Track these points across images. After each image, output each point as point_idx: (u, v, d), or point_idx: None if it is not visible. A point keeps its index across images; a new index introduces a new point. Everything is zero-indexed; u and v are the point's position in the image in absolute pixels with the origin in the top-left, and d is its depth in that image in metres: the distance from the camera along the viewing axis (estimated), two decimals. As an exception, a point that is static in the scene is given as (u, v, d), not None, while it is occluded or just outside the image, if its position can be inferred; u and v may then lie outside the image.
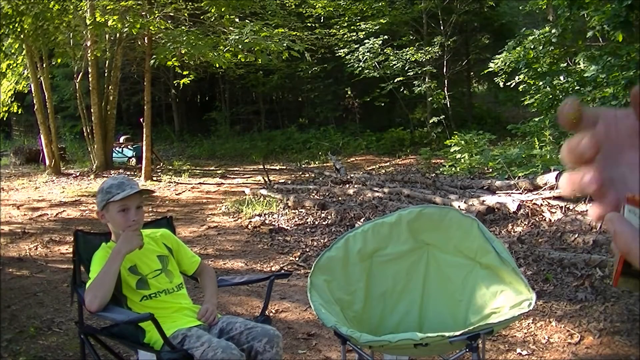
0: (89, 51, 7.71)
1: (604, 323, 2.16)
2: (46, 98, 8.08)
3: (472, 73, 12.17)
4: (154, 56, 6.92)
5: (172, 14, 7.46)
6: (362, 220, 4.10)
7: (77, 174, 8.16)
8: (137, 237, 1.54)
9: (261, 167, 7.59)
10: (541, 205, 3.85)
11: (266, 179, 6.60)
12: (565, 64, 6.45)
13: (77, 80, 8.44)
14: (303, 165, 8.60)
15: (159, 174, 8.04)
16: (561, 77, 6.05)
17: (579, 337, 2.08)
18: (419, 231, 1.55)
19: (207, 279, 1.71)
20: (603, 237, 3.06)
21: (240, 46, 6.52)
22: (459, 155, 6.47)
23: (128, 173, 7.97)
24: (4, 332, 2.39)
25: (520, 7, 9.57)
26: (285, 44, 6.50)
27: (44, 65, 8.14)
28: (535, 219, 3.70)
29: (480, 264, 1.47)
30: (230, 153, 11.03)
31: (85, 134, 8.67)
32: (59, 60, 7.76)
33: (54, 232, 4.41)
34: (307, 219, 4.42)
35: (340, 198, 5.14)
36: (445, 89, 10.02)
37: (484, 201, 4.07)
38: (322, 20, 10.09)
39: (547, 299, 2.46)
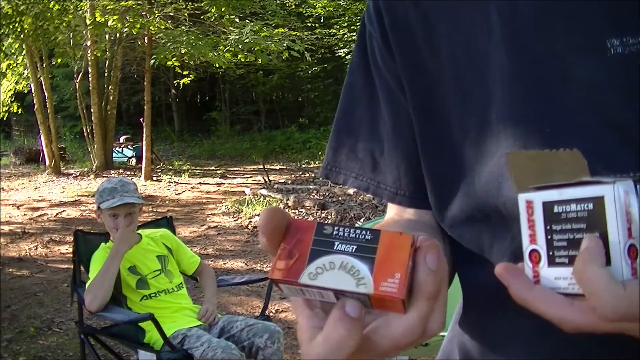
0: (89, 51, 7.70)
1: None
2: (46, 98, 8.07)
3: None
4: (154, 56, 6.90)
5: (172, 14, 7.46)
6: (362, 220, 4.09)
7: (77, 174, 8.14)
8: (133, 234, 1.55)
9: (261, 167, 7.58)
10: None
11: (266, 179, 6.59)
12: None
13: (77, 80, 8.43)
14: (303, 165, 8.59)
15: (159, 174, 8.02)
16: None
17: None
18: (419, 231, 1.55)
19: (207, 279, 1.72)
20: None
21: (240, 46, 6.52)
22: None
23: (128, 173, 7.97)
24: (4, 332, 2.39)
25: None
26: (285, 44, 6.49)
27: (44, 65, 8.13)
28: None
29: (480, 264, 1.46)
30: (230, 153, 11.02)
31: (85, 134, 8.66)
32: (59, 60, 7.75)
33: (54, 232, 4.41)
34: (308, 219, 4.44)
35: (340, 198, 5.13)
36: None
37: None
38: (322, 20, 10.07)
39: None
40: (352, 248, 0.22)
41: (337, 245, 0.22)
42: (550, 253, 0.22)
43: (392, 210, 0.39)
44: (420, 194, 0.36)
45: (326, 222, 0.23)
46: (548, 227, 0.23)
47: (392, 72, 0.34)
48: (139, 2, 6.86)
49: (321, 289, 0.22)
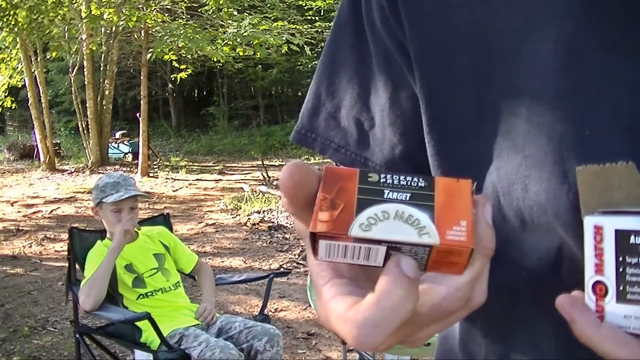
0: (84, 45, 7.62)
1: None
2: (40, 92, 8.01)
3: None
4: (151, 50, 6.84)
5: (169, 7, 7.38)
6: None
7: (72, 170, 8.07)
8: (128, 227, 1.52)
9: (260, 163, 7.54)
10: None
11: (265, 175, 6.56)
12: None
13: (72, 75, 8.33)
14: (302, 162, 8.54)
15: (156, 170, 7.97)
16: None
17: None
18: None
19: (205, 277, 1.70)
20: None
21: (238, 40, 6.48)
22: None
23: (124, 169, 7.91)
24: (-3, 332, 2.35)
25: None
26: (284, 38, 6.44)
27: (39, 59, 8.05)
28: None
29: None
30: (228, 149, 10.98)
31: (80, 129, 8.57)
32: (54, 54, 7.69)
33: (48, 229, 4.35)
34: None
35: None
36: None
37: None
38: (322, 13, 10.00)
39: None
40: (406, 196, 0.19)
41: (388, 193, 0.20)
42: (621, 288, 0.20)
43: None
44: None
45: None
46: (620, 259, 0.20)
47: (394, 38, 0.30)
48: (135, -6, 6.76)
49: (375, 242, 0.19)
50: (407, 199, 0.19)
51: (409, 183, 0.20)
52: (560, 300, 0.21)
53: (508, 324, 0.29)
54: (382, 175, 0.20)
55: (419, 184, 0.19)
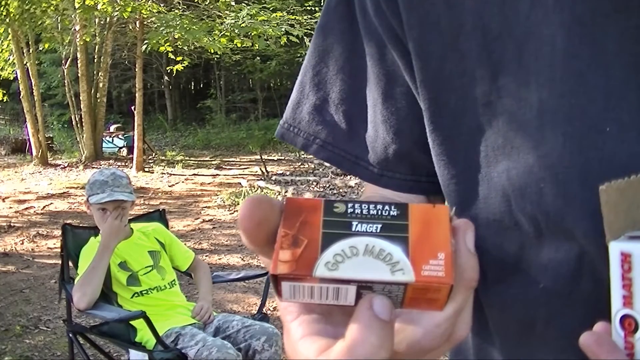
0: (77, 36, 7.54)
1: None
2: (33, 85, 7.92)
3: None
4: (146, 41, 6.78)
5: (164, -3, 7.25)
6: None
7: (65, 165, 7.99)
8: (123, 227, 1.51)
9: (258, 157, 7.48)
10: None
11: (263, 170, 6.52)
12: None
13: (66, 67, 8.22)
14: (302, 156, 8.51)
15: (151, 164, 7.91)
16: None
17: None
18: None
19: (202, 275, 1.69)
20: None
21: (236, 31, 6.44)
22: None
23: (119, 164, 7.84)
24: (-13, 332, 2.30)
25: None
26: (283, 29, 6.40)
27: (31, 51, 7.96)
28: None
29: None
30: (225, 143, 10.94)
31: (73, 123, 8.50)
32: (47, 46, 7.59)
33: (41, 225, 4.29)
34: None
35: (341, 190, 5.12)
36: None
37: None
38: (322, 3, 9.86)
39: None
40: (376, 227, 0.18)
41: (356, 225, 0.18)
42: None
43: (368, 187, 0.33)
44: (414, 175, 0.31)
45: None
46: None
47: (388, 28, 0.28)
48: (130, -16, 6.63)
49: (343, 282, 0.17)
50: (378, 230, 0.18)
51: (379, 212, 0.18)
52: (585, 340, 0.20)
53: (525, 343, 0.27)
54: (350, 205, 0.18)
55: (391, 212, 0.18)
